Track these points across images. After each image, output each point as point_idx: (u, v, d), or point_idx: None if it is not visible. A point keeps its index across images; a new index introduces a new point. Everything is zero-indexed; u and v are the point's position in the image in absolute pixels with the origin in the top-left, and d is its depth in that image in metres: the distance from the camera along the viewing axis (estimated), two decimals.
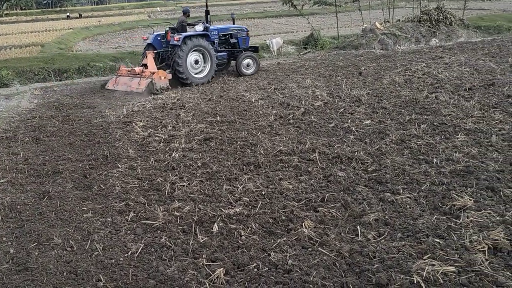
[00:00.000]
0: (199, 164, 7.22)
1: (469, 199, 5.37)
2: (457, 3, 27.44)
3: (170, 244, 5.00)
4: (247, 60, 15.12)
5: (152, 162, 7.51)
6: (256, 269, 4.42)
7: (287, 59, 18.34)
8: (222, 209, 5.69)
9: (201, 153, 7.73)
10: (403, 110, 9.34)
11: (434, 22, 19.74)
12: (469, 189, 5.72)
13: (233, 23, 16.19)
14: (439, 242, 4.60)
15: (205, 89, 12.67)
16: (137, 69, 13.63)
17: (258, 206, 5.70)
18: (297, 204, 5.75)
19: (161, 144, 8.36)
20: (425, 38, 19.50)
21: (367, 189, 6.02)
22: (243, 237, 5.03)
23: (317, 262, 4.47)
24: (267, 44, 20.01)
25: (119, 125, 9.75)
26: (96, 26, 34.87)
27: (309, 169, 6.78)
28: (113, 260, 4.77)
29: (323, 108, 10.02)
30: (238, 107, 10.56)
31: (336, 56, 17.99)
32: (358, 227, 5.05)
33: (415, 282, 4.00)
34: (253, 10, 47.73)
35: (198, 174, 6.85)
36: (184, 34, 13.68)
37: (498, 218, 4.98)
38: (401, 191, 5.84)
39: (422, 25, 19.85)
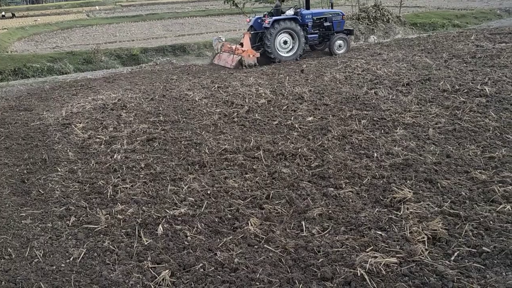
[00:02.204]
0: (142, 165, 7.09)
1: (409, 191, 5.54)
2: (394, 1, 28.26)
3: (114, 248, 4.89)
4: (339, 42, 16.39)
5: (93, 164, 7.32)
6: (202, 269, 4.40)
7: None
8: (167, 210, 5.62)
9: (144, 154, 7.60)
10: (344, 106, 9.53)
11: (372, 20, 20.27)
12: (408, 181, 5.91)
13: (332, 8, 17.57)
14: (381, 234, 4.73)
15: (147, 89, 12.46)
16: (234, 47, 15.77)
17: (204, 206, 5.67)
18: (242, 202, 5.76)
19: (102, 146, 8.16)
20: (364, 35, 19.98)
21: (310, 184, 6.11)
22: (188, 237, 4.99)
23: (263, 259, 4.50)
24: (211, 42, 19.93)
25: (58, 128, 9.43)
26: (32, 26, 33.58)
27: (254, 167, 6.80)
28: (54, 267, 4.62)
29: (266, 105, 10.07)
30: (182, 106, 10.45)
31: None
32: (303, 223, 5.12)
33: (358, 274, 4.09)
34: (195, 8, 47.34)
35: (141, 176, 6.73)
36: (274, 18, 15.27)
37: (436, 208, 5.17)
38: (344, 185, 5.96)
39: (360, 22, 20.34)
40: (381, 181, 5.99)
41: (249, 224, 5.13)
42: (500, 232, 4.59)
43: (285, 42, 15.48)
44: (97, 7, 57.55)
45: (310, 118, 8.91)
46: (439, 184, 5.74)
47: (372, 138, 7.63)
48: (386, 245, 4.52)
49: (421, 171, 6.15)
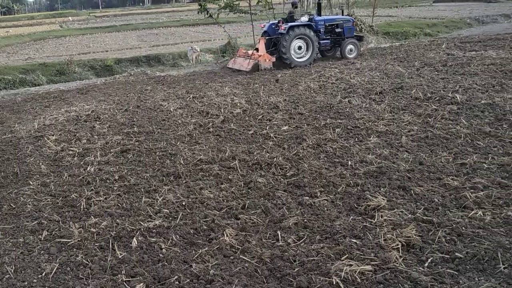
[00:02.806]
0: (116, 177, 7.01)
1: (383, 199, 5.60)
2: (367, 11, 28.67)
3: (87, 262, 4.81)
4: (350, 46, 16.94)
5: (66, 177, 7.21)
6: (177, 282, 4.35)
7: (205, 68, 18.31)
8: (141, 222, 5.56)
9: (118, 166, 7.52)
10: (318, 115, 9.59)
11: None
12: (382, 189, 5.96)
13: (342, 15, 18.16)
14: (355, 242, 4.75)
15: (121, 100, 12.36)
16: (250, 51, 16.50)
17: (179, 217, 5.62)
18: (218, 212, 5.73)
19: (75, 158, 8.05)
20: None
21: (286, 193, 6.12)
22: (163, 250, 4.94)
23: (239, 270, 4.48)
24: (186, 53, 19.92)
25: (30, 140, 9.28)
26: (4, 37, 33.07)
27: (229, 177, 6.78)
28: (26, 283, 4.53)
29: (242, 115, 10.08)
30: (156, 117, 10.39)
31: None
32: (279, 232, 5.12)
33: (334, 283, 4.11)
34: (169, 18, 47.28)
35: (115, 188, 6.66)
36: (290, 24, 15.75)
37: (410, 215, 5.23)
38: (319, 194, 5.98)
39: None
40: (356, 189, 6.04)
41: (225, 235, 5.11)
42: (472, 237, 4.66)
43: (300, 48, 15.97)
44: (70, 17, 57.08)
45: (285, 127, 8.95)
46: (412, 191, 5.81)
47: (346, 146, 7.70)
48: (361, 253, 4.54)
49: (394, 179, 6.22)
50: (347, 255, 4.54)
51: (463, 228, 4.84)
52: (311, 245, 4.80)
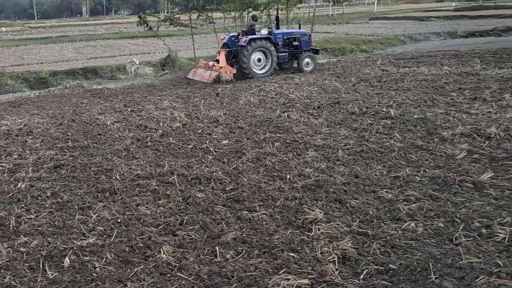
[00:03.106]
0: (49, 194, 6.74)
1: (320, 212, 5.66)
2: (305, 27, 29.29)
3: (15, 284, 4.58)
4: (307, 59, 17.39)
5: None
6: None
7: (144, 81, 18.07)
8: (74, 241, 5.36)
9: (51, 182, 7.24)
10: (258, 129, 9.65)
11: None
12: (319, 202, 6.04)
13: (299, 28, 18.45)
14: (293, 256, 4.78)
15: (55, 113, 11.96)
16: (210, 63, 16.73)
17: (114, 235, 5.46)
18: (155, 229, 5.62)
19: (5, 174, 7.69)
20: None
21: (225, 208, 6.08)
22: (97, 269, 4.77)
23: None
24: (124, 65, 19.59)
25: None
26: None
27: (167, 192, 6.67)
28: None
29: (181, 129, 9.99)
30: (92, 131, 10.12)
31: None
32: (217, 248, 5.06)
33: None
34: (108, 30, 46.42)
35: (47, 205, 6.39)
36: (250, 36, 16.08)
37: (346, 228, 5.32)
38: (258, 208, 5.98)
39: None
40: (294, 203, 6.09)
41: (162, 252, 5.00)
42: (405, 249, 4.79)
43: (259, 60, 16.40)
44: (3, 28, 54.94)
45: (225, 142, 8.93)
46: (348, 204, 5.92)
47: (285, 160, 7.76)
48: (298, 267, 4.57)
49: (331, 192, 6.32)
50: (284, 269, 4.55)
51: (397, 240, 4.97)
52: (249, 260, 4.78)
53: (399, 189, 6.30)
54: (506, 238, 4.82)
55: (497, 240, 4.84)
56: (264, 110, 11.37)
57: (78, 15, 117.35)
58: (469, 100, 10.93)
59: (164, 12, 52.25)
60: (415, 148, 7.91)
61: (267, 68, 16.54)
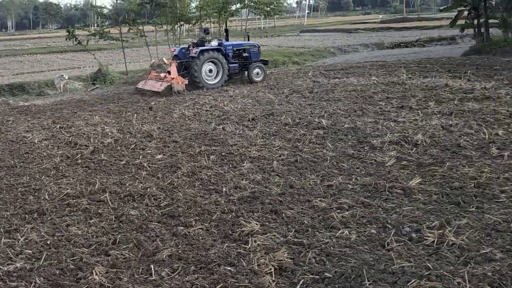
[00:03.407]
0: None
1: (256, 224, 5.67)
2: (239, 40, 29.53)
3: None
4: (257, 70, 17.76)
5: None
6: None
7: (74, 96, 17.55)
8: (0, 266, 5.07)
9: None
10: (193, 143, 9.58)
11: None
12: (255, 214, 6.05)
13: (248, 40, 19.05)
14: (230, 270, 4.74)
15: None
16: (162, 74, 16.85)
17: (43, 258, 5.22)
18: (87, 250, 5.42)
19: None
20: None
21: (160, 225, 5.97)
22: None
23: None
24: (53, 81, 18.97)
25: None
26: None
27: (99, 211, 6.47)
28: None
29: (113, 145, 9.75)
30: (19, 149, 9.69)
31: (126, 91, 17.81)
32: (152, 266, 4.94)
33: None
34: (35, 45, 44.89)
35: None
36: (201, 48, 16.51)
37: (282, 239, 5.34)
38: (194, 223, 5.91)
39: None
40: (230, 216, 6.06)
41: (94, 273, 4.81)
42: (339, 257, 4.87)
43: (210, 71, 16.76)
44: None
45: (159, 156, 8.80)
46: (283, 214, 5.96)
47: (221, 173, 7.74)
48: (235, 281, 4.53)
49: (267, 203, 6.35)
50: (222, 284, 4.50)
51: (331, 248, 5.05)
52: (185, 277, 4.70)
53: (332, 198, 6.42)
54: (435, 242, 5.00)
55: (427, 243, 5.02)
56: (199, 123, 11.31)
57: (3, 30, 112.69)
58: (396, 108, 11.36)
59: (94, 26, 51.11)
60: (347, 157, 8.10)
61: (218, 78, 16.87)
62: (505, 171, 6.88)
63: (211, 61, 16.63)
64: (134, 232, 5.79)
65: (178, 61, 16.91)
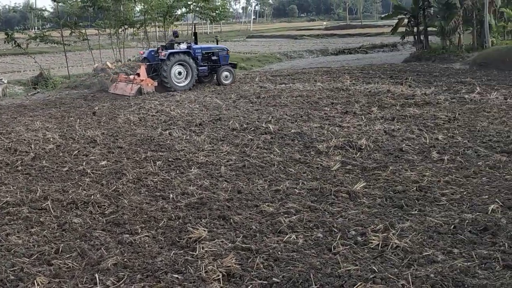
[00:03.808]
0: None
1: (204, 230, 5.62)
2: (186, 44, 29.34)
3: None
4: (225, 73, 18.13)
5: None
6: None
7: (14, 101, 16.90)
8: None
9: None
10: (139, 148, 9.42)
11: None
12: (203, 220, 6.01)
13: (217, 44, 19.39)
14: (177, 278, 4.68)
15: None
16: (131, 77, 17.02)
17: None
18: (28, 260, 5.21)
19: None
20: None
21: (105, 233, 5.82)
22: None
23: None
24: None
25: None
26: None
27: (41, 219, 6.24)
28: None
29: (55, 151, 9.46)
30: None
31: (69, 95, 17.33)
32: (96, 275, 4.81)
33: None
34: None
35: None
36: (170, 51, 16.70)
37: (230, 244, 5.32)
38: (140, 230, 5.80)
39: None
40: (177, 222, 5.99)
41: (36, 284, 4.64)
42: (287, 261, 4.90)
43: (180, 73, 17.03)
44: None
45: (103, 162, 8.60)
46: (231, 220, 5.95)
47: (168, 179, 7.64)
48: None
49: (215, 209, 6.32)
50: None
51: (279, 252, 5.07)
52: (131, 286, 4.60)
53: (280, 202, 6.47)
54: (379, 245, 5.12)
55: (372, 247, 5.13)
56: (144, 128, 11.15)
57: None
58: (341, 114, 11.61)
59: (35, 29, 49.47)
60: (294, 162, 8.19)
61: (187, 81, 17.12)
62: (445, 175, 7.15)
63: (180, 64, 16.91)
64: (78, 240, 5.62)
65: (147, 63, 17.14)
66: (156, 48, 17.79)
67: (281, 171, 7.77)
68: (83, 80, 19.39)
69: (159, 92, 16.40)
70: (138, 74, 16.82)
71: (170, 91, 16.57)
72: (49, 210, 6.53)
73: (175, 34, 18.70)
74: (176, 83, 16.92)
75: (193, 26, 21.38)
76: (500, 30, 24.04)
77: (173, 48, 17.23)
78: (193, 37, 19.16)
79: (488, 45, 21.89)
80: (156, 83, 16.67)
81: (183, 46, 17.53)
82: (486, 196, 6.29)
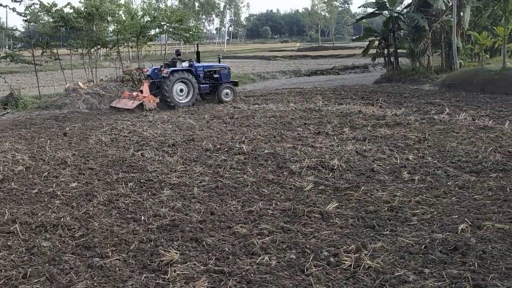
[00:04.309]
0: None
1: (176, 253, 5.56)
2: (158, 64, 29.30)
3: None
4: (226, 90, 18.72)
5: None
6: None
7: None
8: None
9: None
10: (110, 170, 9.31)
11: (136, 82, 20.54)
12: (175, 242, 5.94)
13: (219, 62, 20.13)
14: None
15: None
16: (135, 93, 17.75)
17: None
18: None
19: None
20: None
21: (74, 256, 5.70)
22: None
23: None
24: None
25: None
26: None
27: (8, 243, 6.09)
28: None
29: (24, 173, 9.27)
30: None
31: (39, 116, 17.07)
32: None
33: None
34: None
35: None
36: (172, 68, 17.38)
37: (202, 267, 5.27)
38: (110, 253, 5.70)
39: (125, 84, 20.43)
40: (149, 245, 5.91)
41: None
42: (260, 284, 4.87)
43: (181, 90, 17.60)
44: None
45: (74, 184, 8.46)
46: (204, 242, 5.89)
47: (140, 201, 7.56)
48: None
49: (187, 231, 6.26)
50: None
51: (252, 275, 5.04)
52: None
53: (253, 223, 6.44)
54: (352, 265, 5.14)
55: (344, 267, 5.14)
56: (116, 149, 11.03)
57: None
58: (313, 134, 11.70)
59: (5, 48, 48.79)
60: (267, 182, 8.19)
61: (189, 98, 17.71)
62: (415, 195, 7.25)
63: (181, 81, 17.51)
64: (47, 264, 5.49)
65: (150, 80, 17.86)
66: (159, 66, 18.41)
67: (254, 192, 7.76)
68: (54, 100, 19.12)
69: (160, 108, 17.03)
70: (142, 91, 17.56)
71: (172, 108, 17.11)
72: (17, 234, 6.37)
73: (177, 53, 19.15)
74: (178, 100, 17.47)
75: (196, 46, 22.26)
76: (467, 52, 24.72)
77: (176, 66, 17.84)
78: (196, 56, 19.90)
79: (456, 67, 22.44)
80: (158, 100, 17.31)
81: (185, 64, 18.18)
82: (456, 216, 6.39)
